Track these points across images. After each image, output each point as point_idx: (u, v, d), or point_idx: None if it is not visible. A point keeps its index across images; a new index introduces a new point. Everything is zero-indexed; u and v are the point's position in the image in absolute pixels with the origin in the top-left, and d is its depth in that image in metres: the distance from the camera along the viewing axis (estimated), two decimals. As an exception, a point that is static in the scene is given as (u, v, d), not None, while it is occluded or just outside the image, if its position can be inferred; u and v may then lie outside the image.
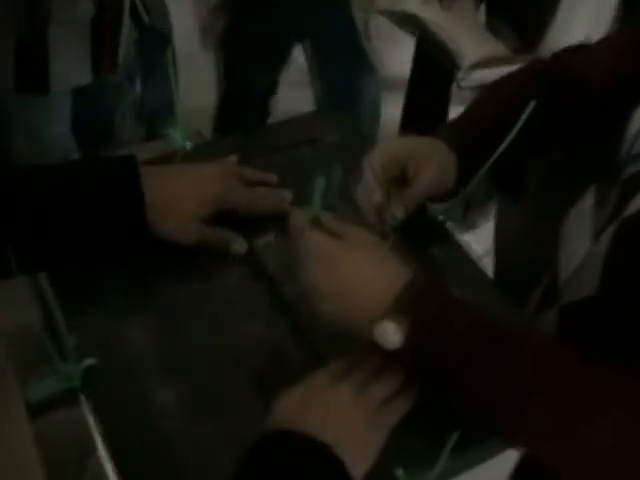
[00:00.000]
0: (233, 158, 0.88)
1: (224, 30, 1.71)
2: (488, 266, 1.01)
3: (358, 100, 1.78)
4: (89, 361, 0.69)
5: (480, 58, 1.43)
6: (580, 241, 0.80)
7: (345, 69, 1.73)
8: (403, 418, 0.63)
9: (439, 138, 0.81)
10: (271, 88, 1.87)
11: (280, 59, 1.80)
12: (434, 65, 1.80)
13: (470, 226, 1.72)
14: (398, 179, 0.80)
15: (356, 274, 0.64)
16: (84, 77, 1.33)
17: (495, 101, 0.85)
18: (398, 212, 0.77)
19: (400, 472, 0.62)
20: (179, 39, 2.29)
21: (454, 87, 1.80)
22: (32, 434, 0.67)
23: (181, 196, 0.77)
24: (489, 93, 0.88)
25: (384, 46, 1.74)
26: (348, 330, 0.65)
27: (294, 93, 1.96)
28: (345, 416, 0.61)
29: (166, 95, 2.38)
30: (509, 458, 0.71)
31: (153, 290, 0.77)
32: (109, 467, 0.65)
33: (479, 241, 1.38)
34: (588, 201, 0.81)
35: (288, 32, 1.72)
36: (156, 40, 2.20)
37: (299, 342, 0.73)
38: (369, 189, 0.79)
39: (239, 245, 0.80)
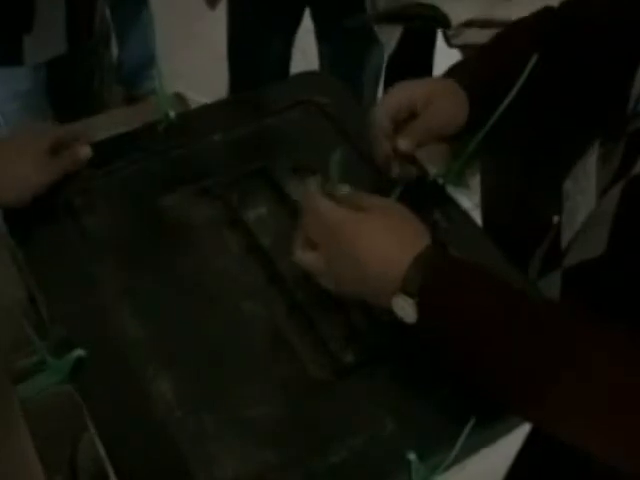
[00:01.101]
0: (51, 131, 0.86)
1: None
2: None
3: (361, 68, 1.76)
4: (78, 352, 0.66)
5: (474, 16, 1.39)
6: (584, 198, 0.77)
7: (349, 37, 1.70)
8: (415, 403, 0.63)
9: (451, 78, 0.79)
10: (284, 51, 1.83)
11: (290, 21, 1.76)
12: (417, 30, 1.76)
13: (464, 186, 1.69)
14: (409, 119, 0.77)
15: (371, 247, 0.63)
16: (59, 47, 1.27)
17: (507, 49, 0.82)
18: (401, 142, 0.74)
19: (413, 456, 0.60)
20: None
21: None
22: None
23: None
24: (501, 40, 0.85)
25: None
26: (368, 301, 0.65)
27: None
28: None
29: (144, 55, 2.36)
30: (513, 442, 0.70)
31: (143, 272, 0.74)
32: (107, 465, 0.63)
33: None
34: (592, 158, 0.79)
35: None
36: (132, 1, 2.15)
37: (296, 321, 0.71)
38: (376, 141, 0.77)
39: (84, 151, 0.81)
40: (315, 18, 1.73)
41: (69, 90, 1.46)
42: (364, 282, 0.64)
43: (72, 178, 0.80)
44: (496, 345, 0.59)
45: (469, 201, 1.57)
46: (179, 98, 1.29)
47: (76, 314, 0.69)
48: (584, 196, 0.78)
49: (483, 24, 1.35)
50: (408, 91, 0.77)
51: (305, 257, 0.67)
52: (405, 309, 0.61)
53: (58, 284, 0.71)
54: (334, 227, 0.64)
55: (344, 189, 0.68)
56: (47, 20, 1.21)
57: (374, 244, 0.63)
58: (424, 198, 0.79)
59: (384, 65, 1.88)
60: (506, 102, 0.75)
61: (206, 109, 0.93)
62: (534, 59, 0.74)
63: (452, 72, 0.81)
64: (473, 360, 0.61)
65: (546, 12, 0.83)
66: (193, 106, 1.21)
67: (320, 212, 0.65)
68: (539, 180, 1.37)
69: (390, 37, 1.64)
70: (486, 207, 1.54)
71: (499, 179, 1.45)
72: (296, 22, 1.77)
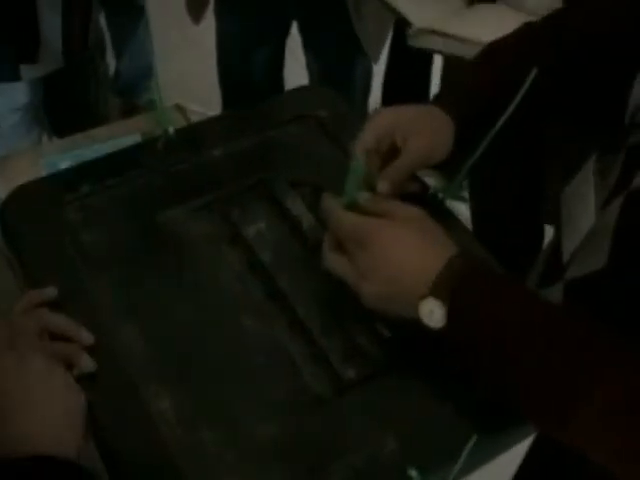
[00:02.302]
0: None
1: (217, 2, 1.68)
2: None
3: (349, 77, 1.76)
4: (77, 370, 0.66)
5: (433, 21, 1.41)
6: (584, 212, 0.77)
7: (336, 48, 1.72)
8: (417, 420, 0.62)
9: (435, 104, 0.78)
10: (274, 60, 1.83)
11: (277, 32, 1.76)
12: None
13: (463, 199, 1.70)
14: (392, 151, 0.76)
15: (398, 252, 0.63)
16: (56, 62, 1.28)
17: (493, 67, 0.82)
18: (381, 186, 0.73)
19: (414, 473, 0.59)
20: (153, 9, 2.24)
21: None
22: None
23: None
24: (485, 58, 0.84)
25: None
26: (392, 311, 0.65)
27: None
28: None
29: (141, 66, 2.36)
30: (513, 456, 0.70)
31: (142, 288, 0.74)
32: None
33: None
34: (590, 170, 0.79)
35: (284, 5, 1.67)
36: (128, 11, 2.15)
37: (297, 337, 0.70)
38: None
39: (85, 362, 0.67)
40: (302, 29, 1.74)
41: (66, 102, 1.46)
42: (394, 285, 0.63)
43: (70, 194, 0.80)
44: (524, 353, 0.59)
45: (468, 210, 1.58)
46: (179, 109, 1.29)
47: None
48: (584, 207, 0.78)
49: (441, 34, 1.37)
50: (389, 121, 0.75)
51: (335, 260, 0.67)
52: (434, 313, 0.61)
53: (58, 300, 0.71)
54: (363, 238, 0.65)
55: (364, 196, 0.69)
56: (46, 39, 1.21)
57: (404, 249, 0.63)
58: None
59: (382, 75, 1.89)
60: (503, 119, 0.75)
61: (205, 124, 0.93)
62: (533, 74, 0.74)
63: (437, 98, 0.80)
64: (499, 367, 0.60)
65: (528, 29, 0.82)
66: (192, 116, 1.21)
67: (345, 225, 0.66)
68: (532, 191, 1.38)
69: (375, 48, 1.65)
70: (476, 217, 1.54)
71: (488, 191, 1.46)
72: (284, 32, 1.77)
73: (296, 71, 1.92)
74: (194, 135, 0.89)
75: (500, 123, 0.76)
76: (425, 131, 0.75)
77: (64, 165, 1.11)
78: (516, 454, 0.73)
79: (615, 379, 0.56)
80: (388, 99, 2.08)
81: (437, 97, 0.81)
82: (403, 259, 0.63)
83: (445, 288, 0.60)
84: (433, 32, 1.40)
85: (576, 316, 0.61)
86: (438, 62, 1.97)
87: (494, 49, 0.84)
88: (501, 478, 0.74)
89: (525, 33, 0.83)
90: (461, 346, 0.62)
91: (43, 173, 1.07)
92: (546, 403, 0.59)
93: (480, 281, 0.62)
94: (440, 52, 1.49)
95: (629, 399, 0.55)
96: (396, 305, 0.64)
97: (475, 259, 0.66)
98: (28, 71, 1.25)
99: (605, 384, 0.56)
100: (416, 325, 0.62)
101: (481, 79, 0.81)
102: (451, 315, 0.60)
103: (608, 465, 0.57)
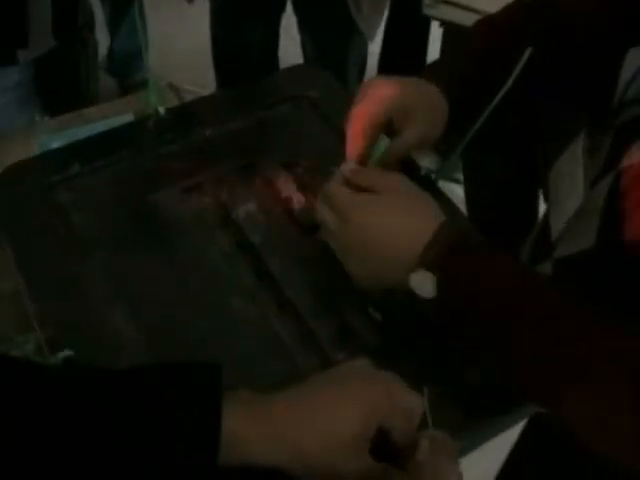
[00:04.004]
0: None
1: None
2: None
3: (345, 56, 1.74)
4: (66, 353, 0.65)
5: None
6: (572, 190, 0.77)
7: (331, 27, 1.69)
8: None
9: (429, 80, 0.76)
10: (269, 38, 1.81)
11: (272, 9, 1.74)
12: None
13: (457, 180, 1.70)
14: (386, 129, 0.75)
15: (385, 226, 0.63)
16: (47, 43, 1.26)
17: (487, 44, 0.80)
18: (344, 167, 0.71)
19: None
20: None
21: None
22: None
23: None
24: (478, 36, 0.83)
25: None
26: (383, 286, 0.65)
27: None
28: None
29: (136, 45, 2.33)
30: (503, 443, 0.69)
31: (131, 270, 0.73)
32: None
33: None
34: (578, 148, 0.78)
35: None
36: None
37: (287, 321, 0.70)
38: (351, 144, 0.74)
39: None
40: (296, 7, 1.72)
41: (57, 81, 1.45)
42: (381, 262, 0.64)
43: (60, 174, 0.79)
44: (514, 321, 0.59)
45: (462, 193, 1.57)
46: (171, 88, 1.27)
47: (64, 313, 0.69)
48: (572, 185, 0.77)
49: (463, 7, 1.36)
50: (383, 105, 0.73)
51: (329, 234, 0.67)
52: (424, 285, 0.61)
53: (45, 283, 0.71)
54: (343, 213, 0.65)
55: (349, 166, 0.69)
56: (37, 22, 1.20)
57: (387, 225, 0.63)
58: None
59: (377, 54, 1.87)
60: (498, 98, 0.74)
61: (196, 104, 0.93)
62: (527, 53, 0.73)
63: (430, 73, 0.78)
64: (489, 335, 0.60)
65: (520, 6, 0.81)
66: (186, 95, 1.20)
67: (331, 198, 0.66)
68: (523, 169, 1.37)
69: (371, 26, 1.63)
70: (470, 198, 1.54)
71: (481, 169, 1.45)
72: (278, 10, 1.75)
73: (291, 50, 1.90)
74: (185, 115, 0.88)
75: (494, 103, 0.75)
76: (424, 115, 0.74)
77: (56, 145, 1.10)
78: (507, 440, 0.73)
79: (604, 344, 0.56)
80: (384, 68, 2.07)
81: (430, 71, 0.79)
82: (387, 235, 0.63)
83: (434, 259, 0.60)
84: (449, 2, 1.40)
85: (564, 293, 0.60)
86: (434, 37, 1.95)
87: (489, 27, 0.83)
88: (492, 464, 0.74)
89: (517, 10, 0.82)
90: (454, 316, 0.62)
91: (35, 153, 1.06)
92: (537, 370, 0.59)
93: (468, 251, 0.62)
94: (453, 23, 1.49)
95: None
96: (386, 280, 0.64)
97: (462, 228, 0.66)
98: (21, 54, 1.24)
99: (595, 351, 0.56)
100: (410, 296, 0.62)
101: (475, 61, 0.80)
102: (441, 285, 0.60)
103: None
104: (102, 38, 1.92)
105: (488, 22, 0.83)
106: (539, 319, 0.58)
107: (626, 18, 0.74)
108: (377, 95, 0.73)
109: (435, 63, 0.83)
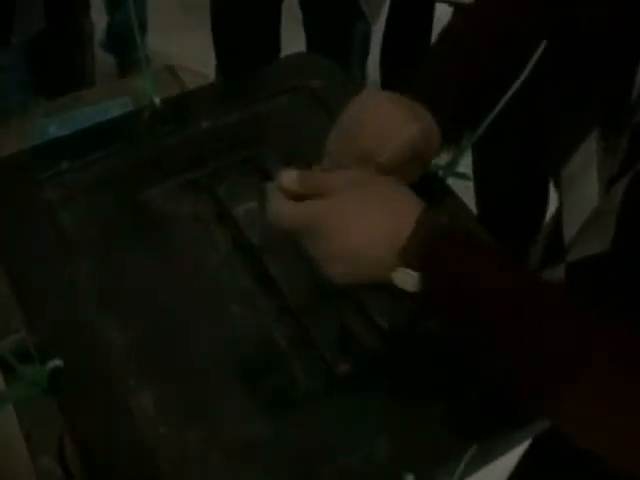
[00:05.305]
0: None
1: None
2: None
3: (348, 40, 1.73)
4: (55, 362, 0.63)
5: None
6: (586, 192, 0.75)
7: (333, 9, 1.67)
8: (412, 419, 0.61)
9: (418, 99, 0.72)
10: (271, 24, 1.79)
11: None
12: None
13: (466, 177, 1.68)
14: None
15: (349, 233, 0.59)
16: (38, 23, 1.25)
17: (475, 53, 0.76)
18: (284, 177, 0.64)
19: (410, 477, 0.57)
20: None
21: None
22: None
23: None
24: (458, 42, 0.79)
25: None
26: (365, 284, 0.62)
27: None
28: None
29: (134, 22, 2.29)
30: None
31: (124, 272, 0.71)
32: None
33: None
34: (592, 149, 0.76)
35: None
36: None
37: (286, 327, 0.68)
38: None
39: None
40: None
41: (52, 63, 1.44)
42: (358, 266, 0.60)
43: (48, 170, 0.76)
44: (498, 321, 0.57)
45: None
46: (170, 71, 1.24)
47: (53, 319, 0.66)
48: (586, 187, 0.75)
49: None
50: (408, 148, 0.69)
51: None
52: (407, 281, 0.58)
53: (34, 287, 0.69)
54: (305, 229, 0.59)
55: (290, 176, 0.61)
56: (25, 2, 1.18)
57: (357, 226, 0.59)
58: (424, 191, 0.76)
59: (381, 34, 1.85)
60: (509, 94, 0.72)
61: (193, 95, 0.91)
62: (541, 48, 0.70)
63: (417, 90, 0.73)
64: (475, 334, 0.58)
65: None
66: (185, 78, 1.17)
67: (284, 219, 0.60)
68: (533, 168, 1.36)
69: (376, 10, 1.61)
70: (479, 194, 1.52)
71: (490, 165, 1.44)
72: None
73: (293, 33, 1.86)
74: (181, 106, 0.85)
75: (506, 98, 0.73)
76: (426, 152, 0.71)
77: (53, 128, 1.08)
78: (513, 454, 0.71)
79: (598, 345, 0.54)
80: (387, 60, 2.05)
81: (417, 88, 0.74)
82: (356, 239, 0.59)
83: (414, 257, 0.57)
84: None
85: (578, 298, 0.58)
86: (437, 22, 1.92)
87: (468, 33, 0.79)
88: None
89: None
90: (437, 311, 0.60)
91: (31, 136, 1.05)
92: (525, 372, 0.57)
93: (450, 245, 0.59)
94: (462, 3, 1.46)
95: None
96: (367, 280, 0.61)
97: (439, 217, 0.62)
98: (15, 35, 1.22)
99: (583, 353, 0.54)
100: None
101: (463, 72, 0.75)
102: (424, 281, 0.57)
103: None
104: (100, 20, 1.89)
105: (463, 24, 0.79)
106: (530, 316, 0.56)
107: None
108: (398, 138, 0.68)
109: (423, 78, 0.78)
